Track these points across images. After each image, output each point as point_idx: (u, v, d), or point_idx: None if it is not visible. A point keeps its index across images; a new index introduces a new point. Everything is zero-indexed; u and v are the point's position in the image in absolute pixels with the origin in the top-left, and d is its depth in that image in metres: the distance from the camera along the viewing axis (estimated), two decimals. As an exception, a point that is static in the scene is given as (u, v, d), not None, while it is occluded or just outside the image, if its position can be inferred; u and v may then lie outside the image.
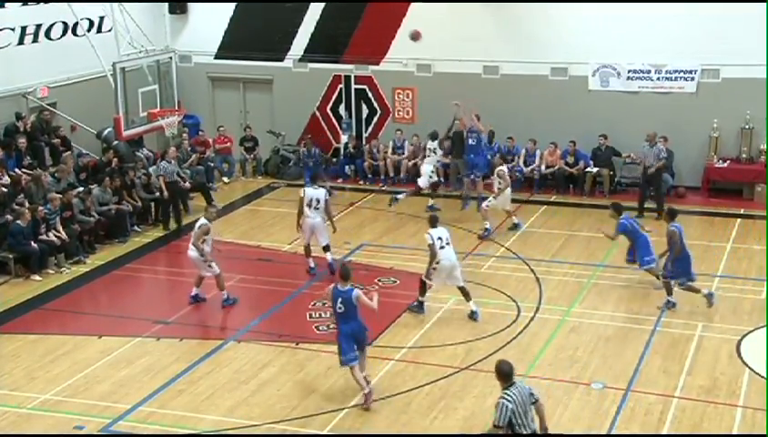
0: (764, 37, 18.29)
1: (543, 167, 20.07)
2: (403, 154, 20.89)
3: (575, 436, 10.44)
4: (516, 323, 13.46)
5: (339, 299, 10.98)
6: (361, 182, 20.82)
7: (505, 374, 8.55)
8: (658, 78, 19.60)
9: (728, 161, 19.35)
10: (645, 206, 18.04)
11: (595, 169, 19.71)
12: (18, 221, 15.54)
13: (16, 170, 17.14)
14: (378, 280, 14.96)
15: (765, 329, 12.79)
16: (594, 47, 19.71)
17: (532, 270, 15.50)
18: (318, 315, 13.88)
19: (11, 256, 15.59)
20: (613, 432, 10.59)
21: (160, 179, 17.89)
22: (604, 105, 19.85)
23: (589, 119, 19.81)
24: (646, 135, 17.92)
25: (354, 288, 11.07)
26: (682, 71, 19.37)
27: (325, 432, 10.67)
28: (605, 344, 12.83)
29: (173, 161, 18.20)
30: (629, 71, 19.78)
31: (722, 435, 10.35)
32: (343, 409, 11.15)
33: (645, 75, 19.67)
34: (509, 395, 8.39)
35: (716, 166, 19.34)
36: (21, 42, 18.82)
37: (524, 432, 8.35)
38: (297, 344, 12.89)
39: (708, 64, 19.10)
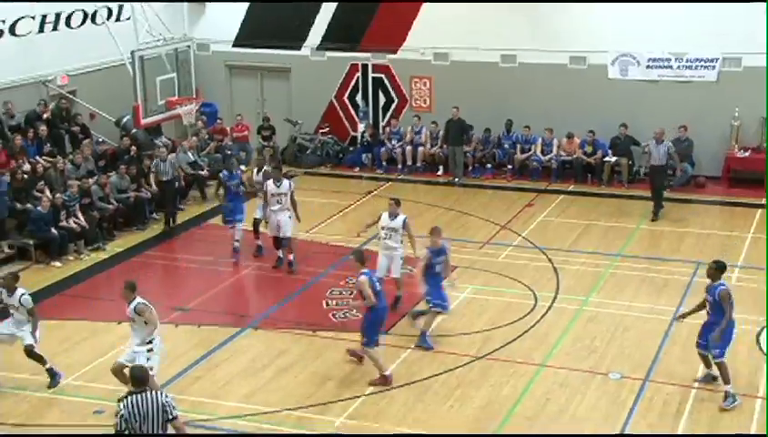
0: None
1: (561, 156, 19.99)
2: (421, 139, 20.85)
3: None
4: (533, 313, 13.43)
5: (378, 283, 11.37)
6: (378, 171, 20.81)
7: (136, 380, 8.27)
8: (678, 67, 19.43)
9: (749, 150, 19.17)
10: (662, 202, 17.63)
11: (614, 159, 19.59)
12: (38, 208, 15.67)
13: (37, 157, 17.25)
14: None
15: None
16: (614, 36, 19.55)
17: (550, 260, 15.44)
18: (334, 303, 13.91)
19: (32, 242, 15.73)
20: (631, 421, 10.57)
21: (151, 176, 17.45)
22: (623, 94, 19.70)
23: (608, 108, 19.68)
24: (653, 132, 17.51)
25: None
26: (703, 60, 19.18)
27: (342, 419, 10.70)
28: (623, 334, 12.78)
29: (169, 158, 17.46)
30: (649, 60, 19.61)
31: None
32: (359, 396, 11.18)
33: (665, 63, 19.50)
34: (126, 402, 8.12)
35: (737, 155, 19.16)
36: (41, 30, 18.91)
37: None
38: (314, 332, 12.93)
39: (729, 52, 18.90)
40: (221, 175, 15.96)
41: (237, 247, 15.60)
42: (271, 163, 18.44)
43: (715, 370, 10.97)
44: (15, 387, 11.42)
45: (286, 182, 14.96)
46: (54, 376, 11.48)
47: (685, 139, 19.09)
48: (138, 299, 10.56)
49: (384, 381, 11.33)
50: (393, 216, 13.18)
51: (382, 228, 13.22)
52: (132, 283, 10.75)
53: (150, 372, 10.29)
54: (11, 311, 11.42)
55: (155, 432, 8.06)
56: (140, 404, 8.04)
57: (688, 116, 18.92)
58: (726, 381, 10.75)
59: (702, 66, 19.23)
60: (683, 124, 18.98)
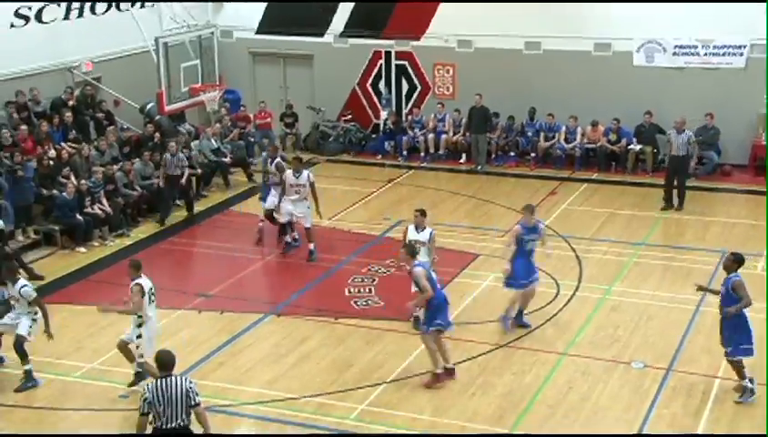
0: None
1: (585, 144, 19.85)
2: (444, 127, 20.79)
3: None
4: (555, 301, 13.39)
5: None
6: (400, 159, 20.77)
7: (161, 364, 8.34)
8: (705, 54, 19.20)
9: (776, 139, 18.96)
10: (676, 197, 17.25)
11: (638, 147, 19.43)
12: (64, 194, 15.82)
13: (62, 144, 17.40)
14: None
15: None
16: (639, 22, 19.35)
17: (572, 248, 15.37)
18: (356, 290, 13.94)
19: (57, 228, 15.89)
20: (654, 411, 10.51)
21: (161, 170, 17.06)
22: (649, 81, 19.51)
23: (633, 96, 19.50)
24: (674, 122, 17.27)
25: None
26: (730, 46, 18.94)
27: (363, 406, 10.74)
28: (646, 323, 12.71)
29: (177, 154, 17.01)
30: (675, 46, 19.40)
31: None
32: (381, 384, 11.21)
33: (692, 50, 19.28)
34: (150, 385, 8.23)
35: (764, 143, 18.93)
36: (66, 17, 19.03)
37: (167, 426, 8.13)
38: (336, 319, 12.96)
39: (757, 39, 18.64)
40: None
41: (260, 227, 15.76)
42: (295, 150, 18.24)
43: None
44: (40, 371, 11.54)
45: (305, 173, 14.92)
46: (28, 379, 11.14)
47: (711, 127, 18.90)
48: (137, 280, 10.61)
49: (436, 380, 11.00)
50: (420, 228, 12.37)
51: (410, 241, 12.24)
52: (136, 262, 10.83)
53: (140, 360, 10.47)
54: (11, 303, 11.27)
55: (178, 417, 8.14)
56: (164, 388, 8.13)
57: (714, 104, 18.71)
58: (741, 378, 10.55)
59: (729, 53, 18.99)
60: (710, 111, 18.77)
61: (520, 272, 12.23)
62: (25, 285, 11.24)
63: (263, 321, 13.01)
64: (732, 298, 10.42)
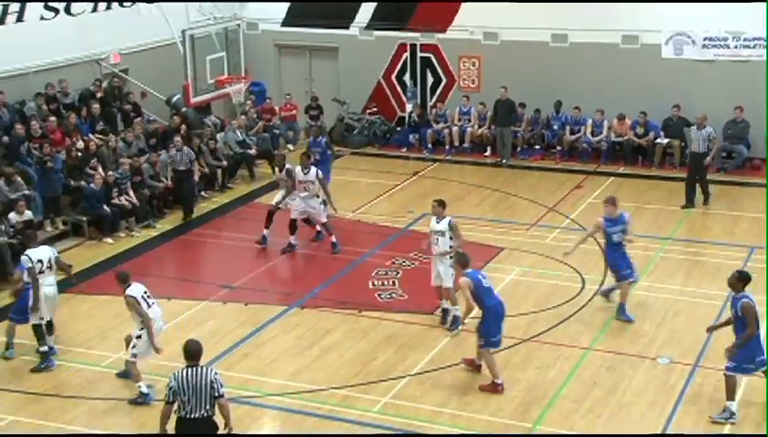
0: None
1: (612, 137, 19.69)
2: (469, 121, 20.72)
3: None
4: (580, 296, 13.30)
5: (485, 279, 10.95)
6: (424, 152, 20.72)
7: (188, 354, 8.36)
8: (735, 46, 18.95)
9: (807, 133, 18.67)
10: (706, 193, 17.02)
11: (665, 141, 19.23)
12: (91, 185, 15.96)
13: (90, 135, 17.55)
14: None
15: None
16: (668, 14, 19.13)
17: (598, 243, 15.22)
18: (380, 283, 13.94)
19: (85, 219, 16.05)
20: (680, 407, 10.43)
21: (168, 169, 17.11)
22: (677, 74, 19.30)
23: (661, 89, 19.30)
24: (695, 118, 17.02)
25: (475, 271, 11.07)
26: (761, 39, 18.67)
27: (386, 399, 10.75)
28: (673, 318, 12.60)
29: (184, 148, 16.97)
30: (704, 39, 19.16)
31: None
32: (404, 377, 11.21)
33: (722, 42, 19.03)
34: (176, 374, 8.27)
35: (793, 137, 18.68)
36: (95, 9, 19.18)
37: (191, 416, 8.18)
38: (359, 312, 12.98)
39: (789, 31, 18.39)
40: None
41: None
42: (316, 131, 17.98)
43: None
44: (68, 360, 11.67)
45: (313, 170, 14.90)
46: (45, 357, 11.44)
47: (741, 121, 18.66)
48: (127, 291, 10.65)
49: (494, 388, 10.76)
50: (439, 218, 12.35)
51: (431, 231, 12.42)
52: (124, 275, 10.84)
53: (131, 358, 10.58)
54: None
55: (202, 407, 8.19)
56: (190, 378, 8.20)
57: (744, 97, 18.47)
58: (729, 397, 10.02)
59: (759, 45, 18.72)
60: (739, 105, 18.53)
61: (622, 265, 12.42)
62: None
63: (287, 313, 13.06)
64: (743, 322, 9.88)
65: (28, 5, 17.70)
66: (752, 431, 10.04)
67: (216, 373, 8.35)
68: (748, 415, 10.24)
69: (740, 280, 10.02)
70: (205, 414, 8.25)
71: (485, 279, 11.02)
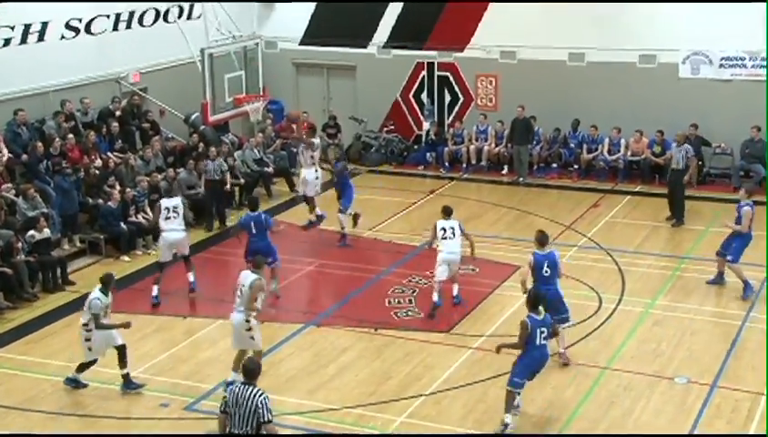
0: None
1: (629, 156, 19.64)
2: (486, 139, 20.75)
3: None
4: (597, 315, 13.24)
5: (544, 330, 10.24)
6: (441, 170, 20.74)
7: (245, 372, 8.41)
8: (753, 66, 18.90)
9: (825, 152, 18.55)
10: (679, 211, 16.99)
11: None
12: (109, 203, 16.07)
13: (108, 153, 17.70)
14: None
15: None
16: (685, 34, 19.11)
17: (615, 261, 15.20)
18: (397, 301, 13.94)
19: (102, 236, 16.16)
20: (698, 427, 10.34)
21: (202, 178, 17.44)
22: (695, 93, 19.24)
23: (678, 108, 19.24)
24: (675, 134, 17.04)
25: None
26: (778, 59, 18.62)
27: (402, 418, 10.72)
28: (690, 338, 12.51)
29: (217, 160, 17.47)
30: (721, 58, 19.12)
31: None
32: (420, 396, 11.18)
33: (739, 62, 18.99)
34: (232, 387, 8.40)
35: (812, 156, 18.57)
36: (115, 29, 19.39)
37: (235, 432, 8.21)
38: (375, 330, 12.97)
39: (807, 50, 18.32)
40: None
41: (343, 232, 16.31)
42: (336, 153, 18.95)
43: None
44: (85, 378, 11.70)
45: (317, 139, 16.49)
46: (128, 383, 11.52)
47: (758, 140, 18.58)
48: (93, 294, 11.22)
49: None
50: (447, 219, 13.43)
51: (441, 228, 13.23)
52: (104, 276, 11.35)
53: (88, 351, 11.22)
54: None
55: (244, 426, 8.18)
56: (239, 395, 8.24)
57: (761, 117, 18.38)
58: None
59: (776, 66, 18.66)
60: (756, 124, 18.45)
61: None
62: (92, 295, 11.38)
63: (303, 331, 13.07)
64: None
65: (50, 24, 17.94)
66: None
67: (264, 398, 8.24)
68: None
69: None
70: (246, 433, 8.21)
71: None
